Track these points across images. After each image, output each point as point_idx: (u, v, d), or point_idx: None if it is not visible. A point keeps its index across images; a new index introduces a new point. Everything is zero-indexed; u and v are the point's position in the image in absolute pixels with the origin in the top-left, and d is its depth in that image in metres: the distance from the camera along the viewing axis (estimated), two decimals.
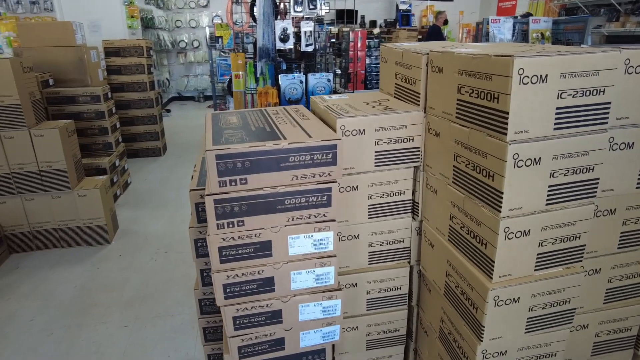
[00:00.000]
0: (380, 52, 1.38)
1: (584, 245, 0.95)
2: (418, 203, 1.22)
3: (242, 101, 4.02)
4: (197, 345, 2.22)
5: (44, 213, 3.10)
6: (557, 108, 0.83)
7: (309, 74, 3.58)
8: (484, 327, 0.94)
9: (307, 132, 1.01)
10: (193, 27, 8.64)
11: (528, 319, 0.98)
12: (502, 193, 0.86)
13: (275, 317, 1.08)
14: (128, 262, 3.02)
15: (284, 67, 3.86)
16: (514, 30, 3.57)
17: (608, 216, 1.04)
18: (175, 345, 2.23)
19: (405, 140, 1.14)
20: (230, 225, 0.97)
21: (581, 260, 0.97)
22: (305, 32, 3.52)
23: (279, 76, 3.43)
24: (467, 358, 1.02)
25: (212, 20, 8.53)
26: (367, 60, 5.17)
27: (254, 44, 4.10)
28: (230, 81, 4.27)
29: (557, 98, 0.82)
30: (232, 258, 1.00)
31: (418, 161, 1.17)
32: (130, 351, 2.19)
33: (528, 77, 0.79)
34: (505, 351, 1.00)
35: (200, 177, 1.53)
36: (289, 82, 3.54)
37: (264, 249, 1.01)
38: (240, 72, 3.92)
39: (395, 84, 1.28)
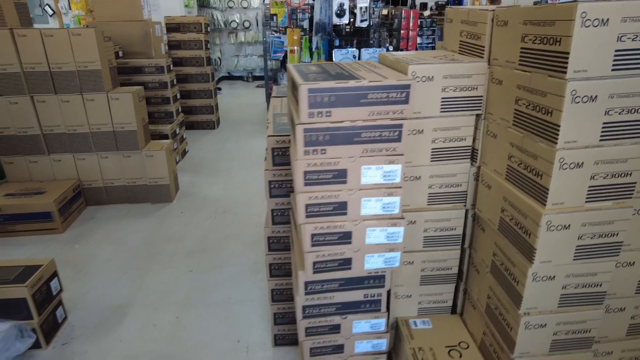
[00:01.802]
0: (445, 14, 1.49)
1: (635, 182, 1.04)
2: (477, 149, 1.34)
3: None
4: (255, 290, 2.45)
5: (115, 170, 3.42)
6: (616, 50, 0.93)
7: (362, 49, 3.69)
8: (535, 249, 1.06)
9: (382, 75, 1.15)
10: (245, 8, 8.88)
11: (577, 247, 1.08)
12: (559, 127, 0.97)
13: (345, 238, 1.25)
14: (188, 219, 3.30)
15: (337, 42, 3.99)
16: None
17: None
18: (234, 289, 2.46)
19: (470, 88, 1.26)
20: (315, 153, 1.13)
21: (631, 198, 1.06)
22: (361, 8, 3.63)
23: (333, 50, 3.57)
24: (518, 282, 1.14)
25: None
26: (419, 40, 5.19)
27: (310, 19, 4.24)
28: (285, 56, 4.46)
29: (617, 41, 0.92)
30: (313, 182, 1.16)
31: (480, 109, 1.29)
32: (193, 292, 2.45)
33: (590, 20, 0.88)
34: (554, 276, 1.11)
35: (274, 127, 1.71)
36: (343, 56, 3.67)
37: (340, 176, 1.17)
38: (295, 47, 4.09)
39: (460, 41, 1.40)
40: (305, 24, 4.26)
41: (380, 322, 1.45)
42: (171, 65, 4.48)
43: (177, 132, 4.42)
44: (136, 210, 3.45)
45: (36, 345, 2.01)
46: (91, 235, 3.05)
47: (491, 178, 1.27)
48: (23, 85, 3.09)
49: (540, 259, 1.08)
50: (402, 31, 4.96)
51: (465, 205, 1.41)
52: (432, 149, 1.32)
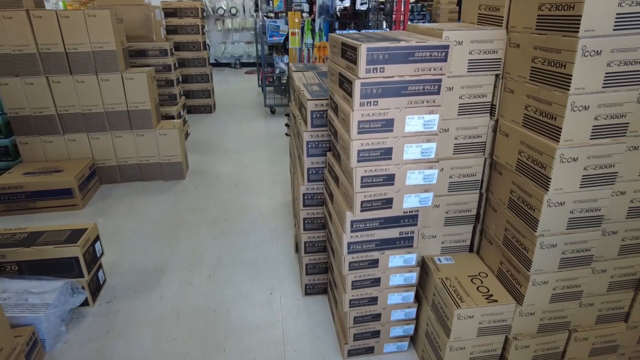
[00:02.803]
0: None
1: (628, 122, 1.30)
2: (495, 105, 1.58)
3: (297, 57, 4.37)
4: (279, 251, 2.66)
5: (129, 149, 3.55)
6: (617, 14, 1.16)
7: (363, 31, 3.89)
8: (550, 179, 1.30)
9: (423, 39, 1.37)
10: None
11: (582, 176, 1.33)
12: (571, 76, 1.20)
13: (389, 180, 1.47)
14: (205, 193, 3.47)
15: (336, 25, 4.17)
16: None
17: None
18: (259, 251, 2.67)
19: (491, 52, 1.49)
20: (368, 104, 1.34)
21: (625, 135, 1.31)
22: None
23: (336, 32, 3.76)
24: (534, 209, 1.39)
25: None
26: (410, 24, 5.43)
27: (309, 2, 4.41)
28: (286, 39, 4.62)
29: (618, 5, 1.15)
30: (366, 130, 1.38)
31: (499, 69, 1.52)
32: (223, 255, 2.64)
33: None
34: (564, 202, 1.36)
35: (310, 93, 1.91)
36: None
37: (388, 125, 1.38)
38: (297, 30, 4.25)
39: (479, 14, 1.63)
40: (305, 7, 4.43)
41: (412, 257, 1.69)
42: (173, 49, 4.58)
43: (182, 114, 4.54)
44: (151, 187, 3.59)
45: (84, 303, 2.17)
46: (112, 211, 3.19)
47: (509, 127, 1.51)
48: (39, 66, 3.18)
49: (554, 187, 1.32)
50: (394, 15, 5.18)
51: (484, 154, 1.66)
52: (459, 104, 1.55)
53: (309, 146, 1.87)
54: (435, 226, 1.75)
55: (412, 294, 1.77)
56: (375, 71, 1.30)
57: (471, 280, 1.67)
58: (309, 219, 2.06)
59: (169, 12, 5.20)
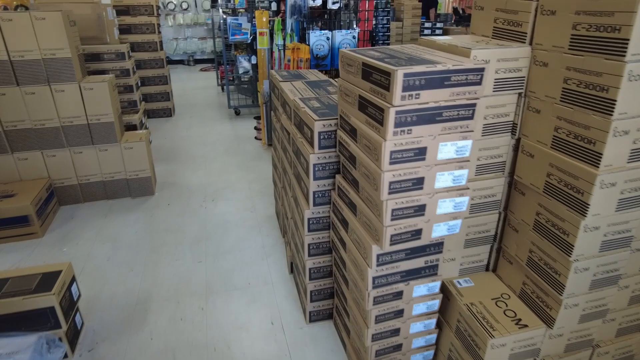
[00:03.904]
0: (474, 2, 1.64)
1: None
2: (516, 124, 1.52)
3: (267, 58, 4.16)
4: (272, 272, 2.50)
5: (91, 166, 3.22)
6: None
7: (336, 31, 3.76)
8: (588, 205, 1.26)
9: (453, 59, 1.27)
10: None
11: (619, 200, 1.30)
12: (615, 101, 1.16)
13: (420, 210, 1.37)
14: (179, 209, 3.22)
15: (304, 24, 4.00)
16: None
17: None
18: (251, 274, 2.50)
19: (515, 70, 1.42)
20: (402, 133, 1.22)
21: None
22: None
23: (309, 32, 3.60)
24: (568, 234, 1.34)
25: None
26: (374, 21, 5.34)
27: (278, 1, 4.20)
28: (253, 39, 4.38)
29: None
30: (397, 160, 1.26)
31: (522, 88, 1.46)
32: (212, 281, 2.44)
33: None
34: (599, 226, 1.33)
35: (314, 111, 1.76)
36: (316, 38, 3.72)
37: (421, 153, 1.28)
38: (265, 30, 4.04)
39: (494, 27, 1.55)
40: (273, 6, 4.21)
41: (436, 285, 1.61)
42: (130, 51, 4.22)
43: (143, 121, 4.21)
44: (118, 205, 3.28)
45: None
46: (78, 236, 2.88)
47: (534, 148, 1.45)
48: None
49: (592, 213, 1.28)
50: (359, 12, 5.08)
51: (504, 174, 1.60)
52: (483, 125, 1.47)
53: (316, 169, 1.73)
54: (454, 249, 1.68)
55: (434, 320, 1.69)
56: (410, 98, 1.18)
57: (495, 303, 1.62)
58: (314, 244, 1.92)
59: (121, 10, 4.78)
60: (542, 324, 1.52)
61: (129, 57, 4.09)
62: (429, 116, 1.23)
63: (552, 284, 1.46)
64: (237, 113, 5.70)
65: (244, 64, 5.30)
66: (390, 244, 1.39)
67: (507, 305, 1.61)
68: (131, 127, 3.87)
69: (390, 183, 1.28)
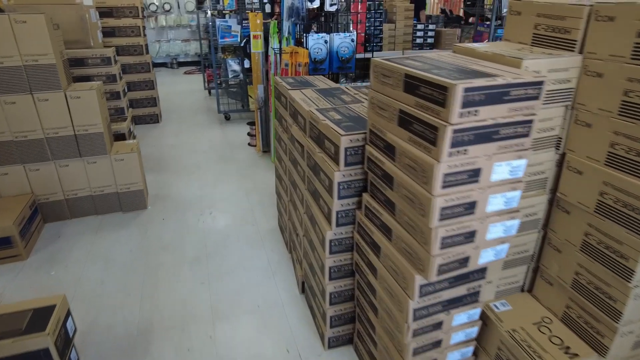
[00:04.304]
0: (509, 7, 1.52)
1: None
2: (561, 138, 1.41)
3: (261, 62, 4.00)
4: (281, 292, 2.35)
5: (79, 180, 3.00)
6: None
7: (334, 34, 3.62)
8: None
9: (508, 71, 1.15)
10: None
11: None
12: None
13: (470, 237, 1.24)
14: (175, 224, 3.03)
15: (302, 27, 3.85)
16: None
17: None
18: (259, 295, 2.34)
19: (564, 81, 1.31)
20: (457, 154, 1.09)
21: None
22: None
23: (307, 35, 3.45)
24: (627, 259, 1.24)
25: None
26: (367, 23, 5.23)
27: (272, 2, 4.03)
28: (247, 42, 4.20)
29: None
30: (450, 184, 1.13)
31: (570, 100, 1.35)
32: (217, 305, 2.27)
33: None
34: None
35: (336, 124, 1.61)
36: (314, 41, 3.57)
37: (474, 175, 1.15)
38: (259, 33, 3.88)
39: (534, 33, 1.44)
40: (263, 7, 4.04)
41: (477, 312, 1.49)
42: (116, 55, 3.99)
43: (131, 130, 3.98)
44: (108, 221, 3.07)
45: None
46: (66, 256, 2.66)
47: (583, 164, 1.35)
48: None
49: None
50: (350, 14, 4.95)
51: (546, 191, 1.49)
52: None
53: (340, 187, 1.59)
54: (493, 272, 1.57)
55: (471, 348, 1.57)
56: (468, 115, 1.06)
57: (538, 328, 1.51)
58: (336, 267, 1.78)
59: (104, 12, 4.53)
60: (593, 352, 1.41)
61: (115, 62, 3.86)
62: (486, 135, 1.10)
63: (605, 310, 1.35)
64: (227, 118, 5.51)
65: (234, 67, 5.12)
66: (438, 274, 1.26)
67: (550, 331, 1.50)
68: (119, 136, 3.65)
69: (442, 209, 1.15)
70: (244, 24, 4.97)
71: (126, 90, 4.18)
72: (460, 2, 9.19)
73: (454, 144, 1.07)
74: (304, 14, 3.46)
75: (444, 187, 1.13)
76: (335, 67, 3.75)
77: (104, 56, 3.75)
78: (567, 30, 1.33)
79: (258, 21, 3.85)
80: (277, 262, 2.61)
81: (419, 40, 5.68)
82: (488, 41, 4.10)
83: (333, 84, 2.34)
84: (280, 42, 3.71)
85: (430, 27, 5.65)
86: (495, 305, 1.61)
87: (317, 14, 3.99)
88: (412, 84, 1.16)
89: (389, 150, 1.32)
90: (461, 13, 8.18)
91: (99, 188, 3.06)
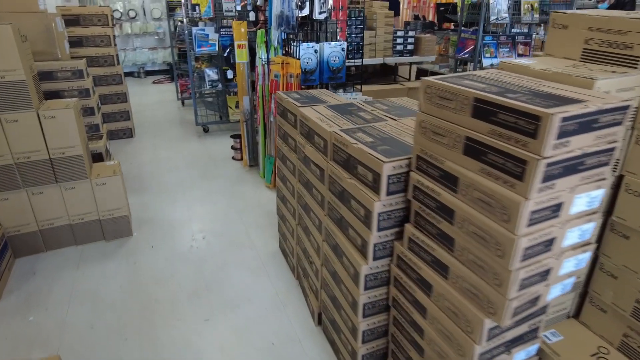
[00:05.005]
0: (553, 19, 1.43)
1: None
2: (619, 159, 1.33)
3: (246, 72, 3.80)
4: (295, 326, 2.17)
5: (55, 208, 2.69)
6: None
7: (324, 43, 3.48)
8: None
9: (590, 94, 1.04)
10: None
11: None
12: None
13: (545, 275, 1.12)
14: (167, 252, 2.78)
15: (292, 36, 3.68)
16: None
17: None
18: (271, 330, 2.15)
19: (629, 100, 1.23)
20: (545, 189, 0.97)
21: None
22: None
23: (298, 45, 3.29)
24: None
25: None
26: (348, 30, 5.12)
27: (255, 10, 3.84)
28: (230, 52, 3.99)
29: None
30: (535, 221, 1.01)
31: (632, 120, 1.27)
32: (227, 344, 2.06)
33: None
34: None
35: (372, 148, 1.46)
36: (304, 51, 3.42)
37: (556, 210, 1.03)
38: (244, 42, 3.68)
39: (586, 48, 1.35)
40: (247, 15, 3.85)
41: (534, 348, 1.38)
42: (87, 68, 3.67)
43: (108, 148, 3.67)
44: (90, 252, 2.77)
45: None
46: (46, 297, 2.36)
47: None
48: None
49: None
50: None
51: (601, 215, 1.40)
52: None
53: (380, 218, 1.44)
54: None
55: None
56: (560, 146, 0.94)
57: None
58: (370, 303, 1.62)
59: (70, 20, 4.18)
60: None
61: (87, 75, 3.54)
62: (573, 166, 0.99)
63: None
64: (206, 130, 5.25)
65: (212, 76, 4.88)
66: (513, 316, 1.13)
67: None
68: (96, 156, 3.34)
69: (524, 249, 1.03)
70: (222, 32, 4.75)
71: (100, 105, 3.86)
72: (432, 7, 9.32)
73: (544, 179, 0.95)
74: (294, 22, 3.30)
75: (529, 225, 1.00)
76: (326, 78, 3.61)
77: (75, 69, 3.43)
78: (629, 45, 1.24)
79: (243, 30, 3.66)
80: (285, 291, 2.42)
81: (399, 47, 5.63)
82: (475, 49, 4.09)
83: (343, 99, 2.19)
84: (267, 52, 3.53)
85: (410, 33, 5.62)
86: (547, 336, 1.51)
87: (301, 23, 3.83)
88: (486, 110, 1.03)
89: (449, 180, 1.19)
90: (431, 17, 8.28)
91: (79, 216, 2.76)
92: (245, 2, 3.99)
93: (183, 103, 6.43)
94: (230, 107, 5.17)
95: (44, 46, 3.46)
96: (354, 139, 1.55)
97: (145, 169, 4.08)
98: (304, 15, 3.42)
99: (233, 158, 4.41)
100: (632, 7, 5.70)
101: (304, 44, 3.38)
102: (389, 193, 1.40)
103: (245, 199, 3.51)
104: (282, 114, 2.32)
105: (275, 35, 3.38)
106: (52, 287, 2.44)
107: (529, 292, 1.12)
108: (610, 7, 5.82)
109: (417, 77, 6.81)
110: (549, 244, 1.07)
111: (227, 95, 5.12)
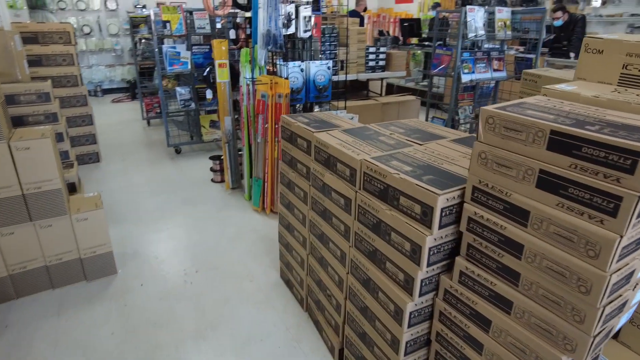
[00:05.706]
0: (586, 44, 1.44)
1: None
2: None
3: (227, 92, 3.65)
4: None
5: (28, 249, 2.41)
6: None
7: (309, 62, 3.42)
8: None
9: None
10: (82, 10, 7.31)
11: None
12: None
13: (622, 307, 1.09)
14: (159, 289, 2.56)
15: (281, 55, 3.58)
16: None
17: None
18: None
19: None
20: (638, 224, 0.94)
21: None
22: (305, 17, 3.33)
23: (285, 64, 3.19)
24: None
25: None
26: (322, 47, 5.10)
27: (235, 27, 3.71)
28: (210, 71, 3.81)
29: None
30: (622, 257, 0.97)
31: None
32: None
33: None
34: None
35: (416, 178, 1.39)
36: (290, 70, 3.33)
37: (638, 243, 1.01)
38: (225, 61, 3.55)
39: (623, 73, 1.37)
40: (231, 34, 3.70)
41: None
42: (52, 90, 3.37)
43: (79, 176, 3.37)
44: (71, 296, 2.50)
45: None
46: (26, 354, 2.08)
47: None
48: None
49: None
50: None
51: None
52: None
53: (430, 253, 1.37)
54: None
55: None
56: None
57: None
58: (413, 340, 1.54)
59: (28, 38, 3.85)
60: None
61: (53, 98, 3.25)
62: None
63: None
64: (178, 151, 5.00)
65: (184, 95, 4.67)
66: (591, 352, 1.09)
67: None
68: (69, 187, 3.05)
69: (612, 285, 0.99)
70: (194, 50, 4.57)
71: (68, 131, 3.55)
72: (392, 22, 9.54)
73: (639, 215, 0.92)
74: (281, 41, 3.21)
75: (618, 260, 0.97)
76: (312, 97, 3.54)
77: (40, 91, 3.13)
78: None
79: (223, 48, 3.51)
80: (295, 326, 2.29)
81: (371, 63, 5.68)
82: (454, 65, 4.17)
83: (354, 123, 2.12)
84: (252, 71, 3.41)
85: (382, 49, 5.69)
86: None
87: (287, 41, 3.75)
88: (565, 143, 0.99)
89: (516, 213, 1.14)
90: (396, 33, 8.47)
91: (56, 256, 2.48)
92: (226, 20, 3.84)
93: (149, 123, 6.11)
94: (204, 127, 4.96)
95: (3, 66, 3.15)
96: (392, 168, 1.48)
97: (118, 197, 3.79)
98: (289, 33, 3.35)
99: (212, 180, 4.21)
100: (583, 26, 6.11)
101: (290, 62, 3.30)
102: (440, 226, 1.33)
103: (235, 224, 3.34)
104: (289, 138, 2.21)
105: (261, 54, 3.27)
106: (31, 340, 2.16)
107: (609, 325, 1.09)
108: (563, 25, 6.21)
109: (387, 92, 6.90)
110: (629, 277, 1.04)
111: (199, 115, 4.92)
